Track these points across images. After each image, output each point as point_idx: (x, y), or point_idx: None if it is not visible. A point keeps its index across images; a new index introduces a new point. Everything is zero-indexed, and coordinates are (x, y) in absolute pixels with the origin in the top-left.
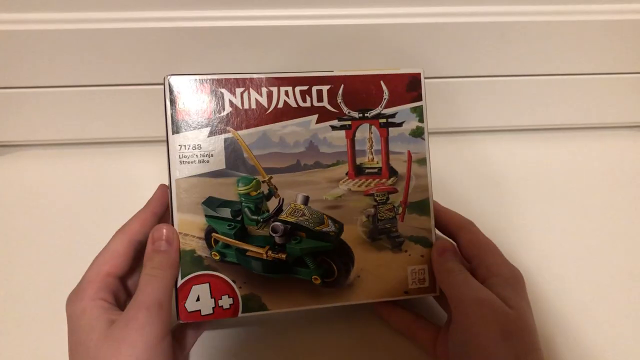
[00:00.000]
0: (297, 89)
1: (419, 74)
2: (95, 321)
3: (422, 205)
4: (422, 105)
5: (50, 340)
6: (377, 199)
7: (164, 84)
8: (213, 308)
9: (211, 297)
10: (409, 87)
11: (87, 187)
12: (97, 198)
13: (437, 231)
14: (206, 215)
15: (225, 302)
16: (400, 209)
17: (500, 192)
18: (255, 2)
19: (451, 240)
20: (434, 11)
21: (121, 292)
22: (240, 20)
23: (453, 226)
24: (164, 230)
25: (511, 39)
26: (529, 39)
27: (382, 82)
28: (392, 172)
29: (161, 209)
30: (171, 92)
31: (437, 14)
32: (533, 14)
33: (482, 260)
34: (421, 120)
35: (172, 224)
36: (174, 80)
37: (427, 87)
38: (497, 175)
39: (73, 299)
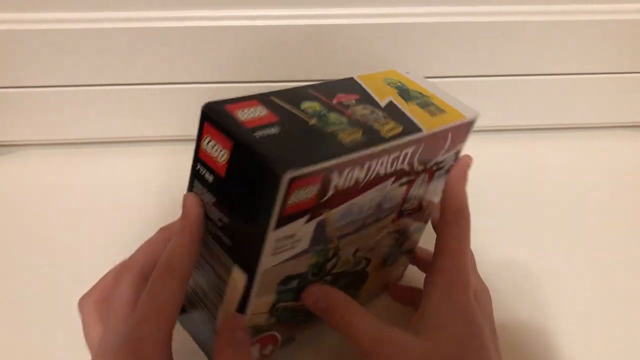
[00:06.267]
0: (392, 156)
1: (475, 119)
2: None
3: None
4: (460, 150)
5: (51, 342)
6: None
7: (277, 181)
8: (257, 358)
9: (259, 352)
10: (465, 134)
11: (87, 187)
12: (98, 198)
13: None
14: (278, 292)
15: (269, 349)
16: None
17: (499, 192)
18: (250, 2)
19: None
20: (430, 11)
21: None
22: (223, 20)
23: (443, 207)
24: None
25: (511, 39)
26: (529, 39)
27: (449, 134)
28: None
29: (201, 233)
30: (288, 189)
31: (435, 14)
32: (533, 13)
33: (433, 263)
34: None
35: (244, 309)
36: (293, 176)
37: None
38: (495, 176)
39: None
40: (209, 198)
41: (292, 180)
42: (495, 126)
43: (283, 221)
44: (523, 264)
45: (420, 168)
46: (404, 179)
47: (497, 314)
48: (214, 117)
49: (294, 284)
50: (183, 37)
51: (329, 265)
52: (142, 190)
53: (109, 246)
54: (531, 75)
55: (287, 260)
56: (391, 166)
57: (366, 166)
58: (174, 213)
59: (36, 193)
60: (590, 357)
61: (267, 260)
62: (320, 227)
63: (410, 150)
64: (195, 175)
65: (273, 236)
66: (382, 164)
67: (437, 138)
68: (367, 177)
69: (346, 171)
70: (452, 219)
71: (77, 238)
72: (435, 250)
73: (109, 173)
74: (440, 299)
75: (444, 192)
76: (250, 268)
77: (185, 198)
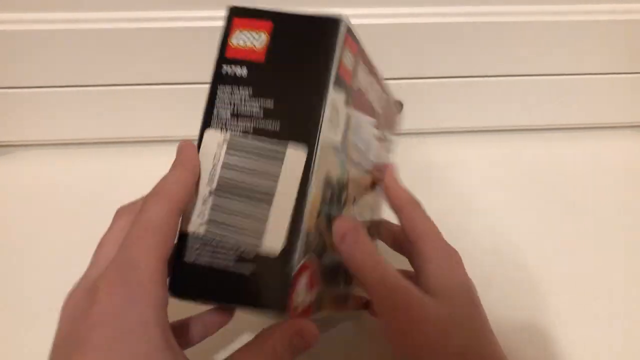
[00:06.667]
0: (379, 92)
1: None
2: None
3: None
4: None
5: (50, 343)
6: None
7: (336, 26)
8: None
9: (308, 290)
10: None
11: (87, 188)
12: (98, 198)
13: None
14: (323, 191)
15: (313, 296)
16: None
17: (498, 193)
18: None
19: (351, 218)
20: (428, 12)
21: None
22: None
23: (395, 206)
24: None
25: (510, 39)
26: (528, 39)
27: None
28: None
29: (197, 170)
30: (344, 40)
31: (432, 15)
32: (533, 14)
33: (419, 249)
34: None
35: (305, 194)
36: (348, 26)
37: (428, 86)
38: (494, 176)
39: (126, 298)
40: (242, 94)
41: (347, 31)
42: (494, 126)
43: (338, 82)
44: (523, 264)
45: (384, 131)
46: (377, 132)
47: (497, 315)
48: (245, 8)
49: (328, 194)
50: (183, 37)
51: (343, 197)
52: (142, 191)
53: None
54: (530, 75)
55: (330, 145)
56: (377, 103)
57: (371, 79)
58: None
59: (36, 193)
60: (590, 357)
61: (325, 129)
62: (346, 126)
63: (385, 97)
64: (219, 82)
65: (331, 96)
66: (376, 91)
67: (392, 106)
68: (368, 94)
69: (365, 68)
70: (410, 206)
71: (77, 238)
72: (413, 239)
73: (109, 173)
74: (441, 270)
75: (388, 195)
76: (309, 135)
77: (179, 144)
